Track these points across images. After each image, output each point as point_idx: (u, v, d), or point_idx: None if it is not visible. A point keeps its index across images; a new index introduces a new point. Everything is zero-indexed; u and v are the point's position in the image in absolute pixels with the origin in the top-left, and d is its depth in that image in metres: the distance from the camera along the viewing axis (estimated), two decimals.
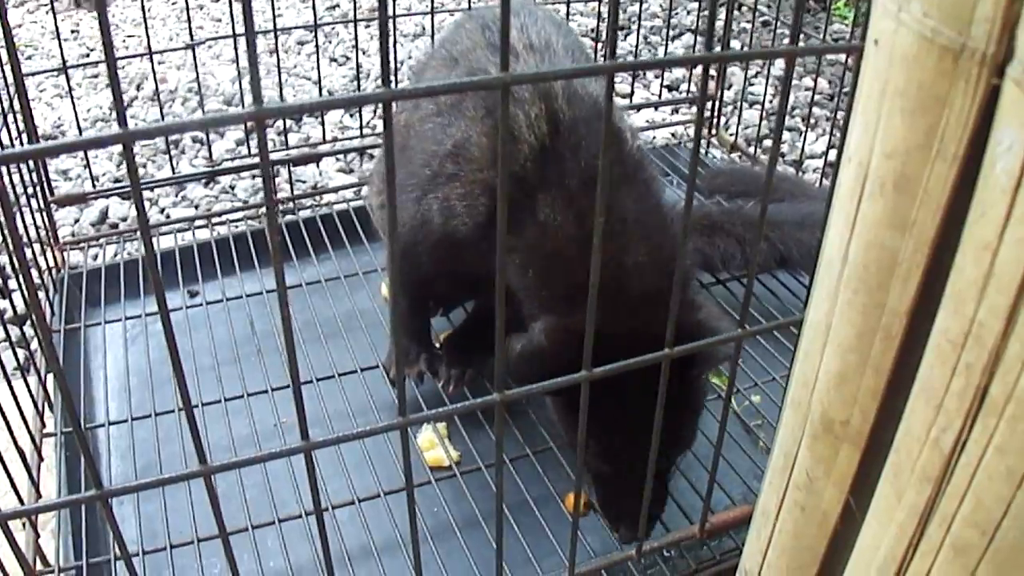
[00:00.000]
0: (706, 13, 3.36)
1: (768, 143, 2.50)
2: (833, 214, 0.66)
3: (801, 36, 2.14)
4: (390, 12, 2.31)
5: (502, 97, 0.58)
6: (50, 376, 1.54)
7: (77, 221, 2.26)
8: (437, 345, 1.62)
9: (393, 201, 0.58)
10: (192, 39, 1.93)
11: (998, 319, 0.51)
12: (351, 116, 2.76)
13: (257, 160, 2.07)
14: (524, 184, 1.20)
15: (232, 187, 2.40)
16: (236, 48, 2.07)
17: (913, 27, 0.53)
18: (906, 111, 0.55)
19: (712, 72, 2.36)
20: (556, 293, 1.17)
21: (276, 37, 2.01)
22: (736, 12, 3.29)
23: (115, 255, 1.97)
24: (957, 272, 0.54)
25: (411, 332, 1.55)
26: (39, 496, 1.34)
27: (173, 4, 3.82)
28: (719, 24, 2.34)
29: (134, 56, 2.29)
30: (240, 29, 2.08)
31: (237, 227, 2.02)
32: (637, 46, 2.72)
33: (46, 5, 3.05)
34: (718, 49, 2.31)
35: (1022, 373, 0.51)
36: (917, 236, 0.57)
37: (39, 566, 1.24)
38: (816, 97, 2.83)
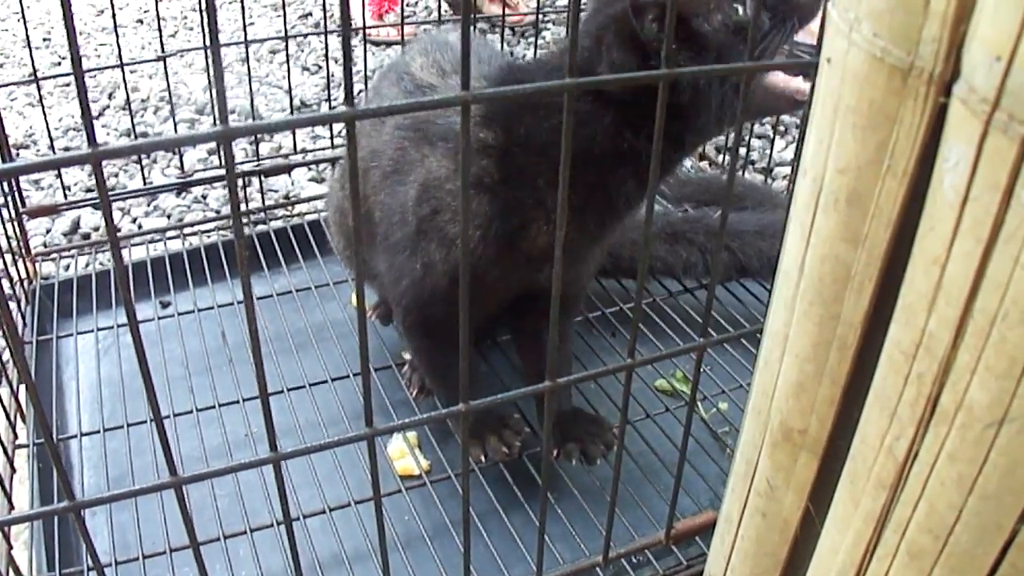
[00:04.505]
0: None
1: (739, 151, 2.51)
2: (790, 227, 0.67)
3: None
4: (359, 24, 2.33)
5: (463, 114, 0.59)
6: (22, 387, 1.54)
7: (49, 231, 2.26)
8: (407, 356, 1.63)
9: (359, 228, 0.59)
10: (163, 50, 1.93)
11: (947, 330, 0.53)
12: (323, 126, 2.76)
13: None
14: (494, 151, 1.24)
15: (204, 196, 2.40)
16: (208, 58, 2.07)
17: (864, 47, 0.54)
18: (857, 128, 0.56)
19: None
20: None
21: (247, 48, 2.01)
22: None
23: (87, 265, 1.97)
24: (908, 285, 0.56)
25: (453, 383, 1.37)
26: (11, 508, 1.34)
27: (145, 11, 3.81)
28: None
29: (105, 68, 2.28)
30: None
31: (209, 237, 2.03)
32: None
33: (17, 13, 3.04)
34: None
35: (971, 383, 0.52)
36: (870, 250, 0.58)
37: None
38: None
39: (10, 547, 1.26)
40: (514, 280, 1.33)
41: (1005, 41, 0.45)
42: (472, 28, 0.56)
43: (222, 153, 2.26)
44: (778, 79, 1.18)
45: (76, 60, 0.52)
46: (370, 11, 3.37)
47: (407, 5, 3.86)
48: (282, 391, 1.55)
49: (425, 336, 1.41)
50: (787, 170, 2.49)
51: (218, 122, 0.53)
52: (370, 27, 3.25)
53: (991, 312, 0.50)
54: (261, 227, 2.02)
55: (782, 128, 2.73)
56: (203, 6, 1.98)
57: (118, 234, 2.07)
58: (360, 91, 2.30)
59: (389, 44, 3.40)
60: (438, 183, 1.26)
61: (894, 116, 0.54)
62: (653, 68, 1.06)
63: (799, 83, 1.19)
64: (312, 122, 0.57)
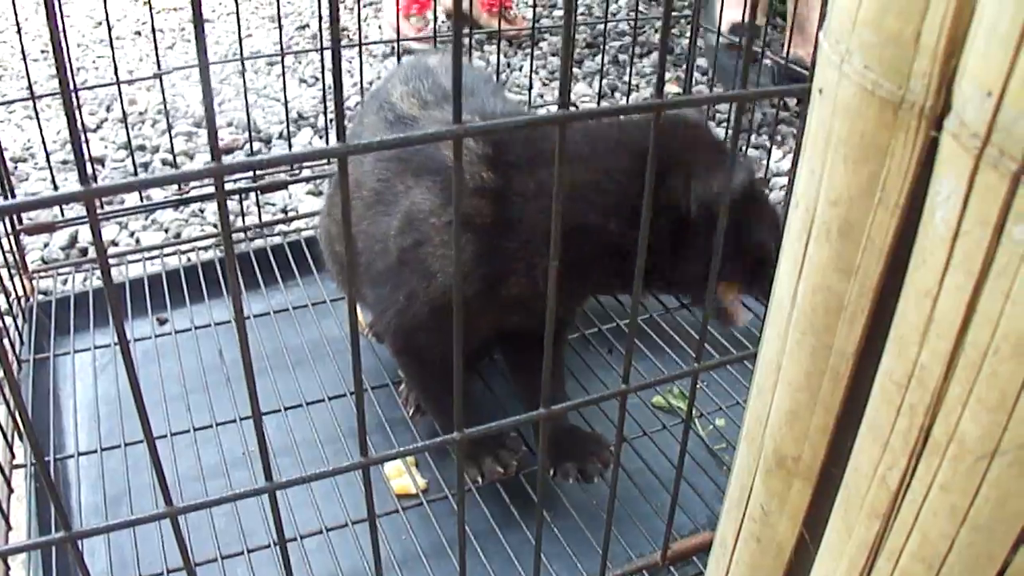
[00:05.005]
0: (675, 32, 3.39)
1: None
2: (782, 256, 0.67)
3: (766, 54, 2.15)
4: (355, 40, 2.33)
5: (455, 148, 0.59)
6: None
7: (47, 245, 2.25)
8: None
9: (352, 254, 0.59)
10: (159, 67, 1.93)
11: (939, 363, 0.53)
12: (320, 138, 2.77)
13: (228, 187, 2.08)
14: (490, 193, 1.25)
15: (202, 210, 2.40)
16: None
17: (855, 79, 0.54)
18: (849, 160, 0.56)
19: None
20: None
21: (243, 63, 2.01)
22: (702, 30, 3.32)
23: (85, 280, 1.97)
24: (900, 317, 0.56)
25: (447, 406, 1.43)
26: (9, 528, 1.34)
27: (143, 23, 3.81)
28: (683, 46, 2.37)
29: (100, 86, 2.28)
30: (211, 57, 2.08)
31: (206, 252, 2.03)
32: (603, 65, 2.74)
33: (15, 26, 3.05)
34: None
35: (963, 415, 0.52)
36: (862, 281, 0.58)
37: None
38: (783, 114, 2.85)
39: (7, 568, 1.26)
40: (488, 321, 1.33)
41: (995, 76, 0.46)
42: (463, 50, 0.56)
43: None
44: (728, 303, 1.33)
45: (72, 117, 0.52)
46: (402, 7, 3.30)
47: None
48: (279, 410, 1.55)
49: (415, 362, 1.42)
50: (784, 180, 2.49)
51: (209, 162, 0.53)
52: (366, 43, 3.25)
53: (982, 346, 0.50)
54: (258, 243, 2.03)
55: (779, 139, 2.73)
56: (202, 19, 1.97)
57: (116, 250, 2.07)
58: (357, 103, 2.30)
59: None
60: (422, 215, 1.26)
61: (885, 149, 0.54)
62: (663, 221, 1.18)
63: (741, 315, 1.35)
64: (305, 157, 0.57)
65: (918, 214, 0.53)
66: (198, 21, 0.52)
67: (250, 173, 2.10)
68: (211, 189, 2.08)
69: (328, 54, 2.23)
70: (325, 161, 2.19)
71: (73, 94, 0.50)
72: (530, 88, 2.43)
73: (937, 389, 0.54)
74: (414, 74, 1.46)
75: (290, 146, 2.34)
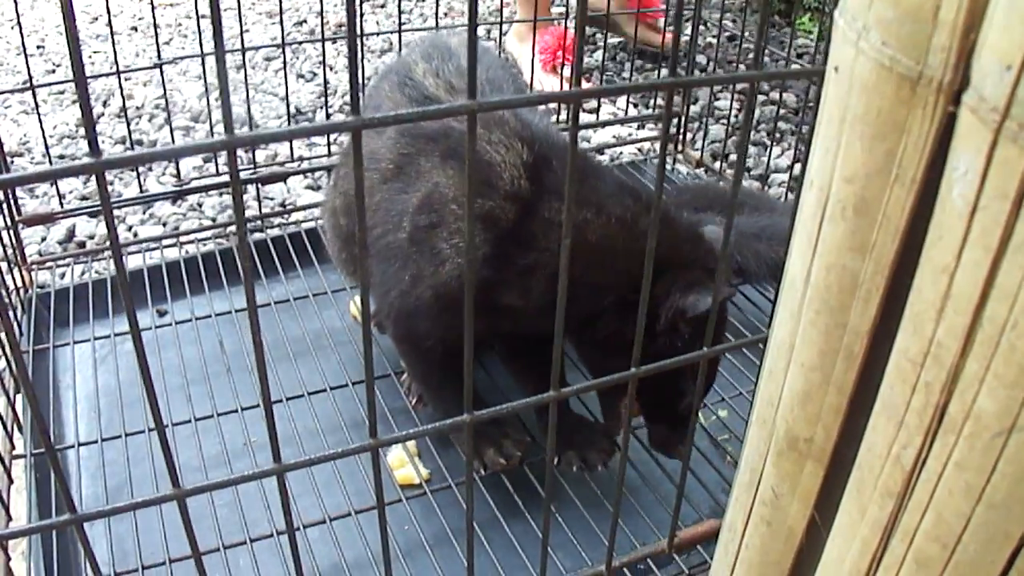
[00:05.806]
0: (671, 28, 3.38)
1: (734, 158, 2.51)
2: (796, 236, 0.67)
3: (765, 52, 2.15)
4: (357, 32, 2.32)
5: (468, 124, 0.59)
6: (19, 397, 1.53)
7: (44, 239, 2.25)
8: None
9: (363, 235, 0.58)
10: (159, 58, 1.93)
11: (956, 339, 0.53)
12: (330, 134, 2.76)
13: (224, 179, 2.08)
14: (520, 200, 1.24)
15: (200, 204, 2.39)
16: (204, 65, 2.07)
17: (872, 55, 0.54)
18: (865, 137, 0.56)
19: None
20: (626, 271, 1.22)
21: (244, 55, 2.01)
22: (702, 27, 3.32)
23: (83, 274, 1.96)
24: (916, 294, 0.56)
25: (455, 400, 1.38)
26: (9, 519, 1.33)
27: (139, 19, 3.80)
28: (684, 41, 2.37)
29: (102, 75, 2.28)
30: (208, 47, 2.08)
31: (205, 245, 2.02)
32: (603, 61, 2.74)
33: (11, 20, 3.03)
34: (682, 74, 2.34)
35: (979, 392, 0.52)
36: (877, 258, 0.58)
37: None
38: (781, 111, 2.85)
39: (8, 559, 1.26)
40: (481, 325, 1.32)
41: (1015, 50, 0.45)
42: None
43: (218, 162, 2.24)
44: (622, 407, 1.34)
45: (78, 67, 0.51)
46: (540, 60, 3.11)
47: (402, 13, 3.85)
48: (281, 400, 1.54)
49: (415, 350, 1.41)
50: (783, 177, 2.49)
51: (222, 131, 0.53)
52: (368, 34, 3.23)
53: (1000, 321, 0.50)
54: (258, 235, 2.02)
55: (778, 135, 2.73)
56: (199, 13, 1.98)
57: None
58: None
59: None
60: (443, 199, 1.25)
61: (902, 125, 0.54)
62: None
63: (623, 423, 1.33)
64: (318, 131, 0.57)
65: (934, 190, 0.53)
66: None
67: (250, 166, 2.10)
68: (208, 181, 2.09)
69: (328, 46, 2.23)
70: (325, 153, 2.19)
71: (80, 77, 0.49)
72: (531, 80, 2.44)
73: (953, 366, 0.53)
74: (435, 53, 1.44)
75: (290, 141, 2.33)
